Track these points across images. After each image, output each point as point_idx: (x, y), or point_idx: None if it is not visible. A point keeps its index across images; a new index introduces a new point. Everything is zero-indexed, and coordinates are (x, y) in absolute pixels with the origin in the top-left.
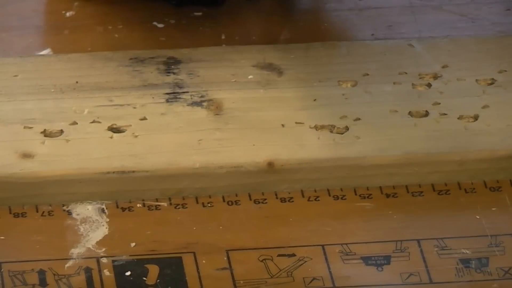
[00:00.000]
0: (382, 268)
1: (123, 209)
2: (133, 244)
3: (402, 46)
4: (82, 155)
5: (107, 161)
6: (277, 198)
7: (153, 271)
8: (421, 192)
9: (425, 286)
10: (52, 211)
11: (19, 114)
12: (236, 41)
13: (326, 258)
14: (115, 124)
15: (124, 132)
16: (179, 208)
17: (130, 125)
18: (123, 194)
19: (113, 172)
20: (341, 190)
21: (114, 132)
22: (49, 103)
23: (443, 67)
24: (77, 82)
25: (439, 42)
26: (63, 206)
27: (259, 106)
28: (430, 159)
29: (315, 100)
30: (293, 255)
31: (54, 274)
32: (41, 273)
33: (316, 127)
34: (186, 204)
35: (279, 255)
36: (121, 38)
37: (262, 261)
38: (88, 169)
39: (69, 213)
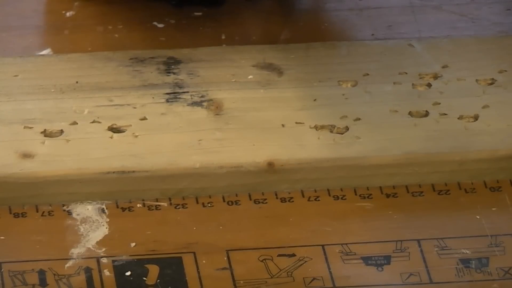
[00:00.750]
0: (382, 268)
1: (123, 209)
2: (133, 244)
3: (402, 46)
4: (82, 155)
5: (107, 161)
6: (277, 198)
7: (153, 271)
8: (421, 192)
9: (425, 286)
10: (52, 211)
11: (19, 114)
12: (236, 41)
13: (326, 258)
14: (115, 124)
15: (124, 132)
16: (179, 208)
17: (130, 125)
18: (123, 194)
19: (113, 172)
20: (341, 190)
21: (114, 132)
22: (49, 103)
23: (443, 67)
24: (77, 82)
25: (439, 42)
26: (63, 206)
27: (259, 106)
28: (430, 159)
29: (315, 100)
30: (293, 255)
31: (54, 274)
32: (41, 273)
33: (316, 127)
34: (186, 204)
35: (279, 255)
36: (121, 38)
37: (262, 261)
38: (88, 169)
39: (69, 213)
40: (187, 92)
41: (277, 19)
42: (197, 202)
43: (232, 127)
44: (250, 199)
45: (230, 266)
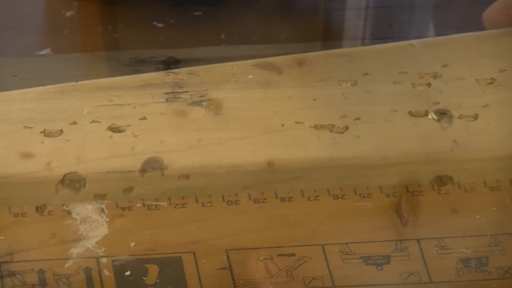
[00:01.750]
0: (382, 268)
1: (123, 209)
2: (132, 244)
3: (402, 46)
4: (82, 155)
5: (107, 161)
6: (277, 198)
7: (153, 271)
8: (421, 191)
9: (425, 285)
10: (52, 211)
11: (19, 114)
12: (236, 41)
13: (326, 258)
14: (115, 124)
15: (124, 131)
16: (178, 208)
17: (130, 125)
18: (123, 194)
19: (113, 172)
20: (341, 189)
21: (114, 131)
22: (49, 103)
23: (442, 66)
24: (77, 82)
25: (439, 41)
26: (63, 206)
27: (259, 106)
28: (430, 159)
29: (314, 99)
30: (293, 254)
31: (54, 274)
32: (41, 273)
33: (316, 127)
34: (185, 204)
35: (279, 255)
36: (121, 38)
37: (262, 260)
38: (88, 169)
39: (69, 213)
40: (187, 91)
41: (277, 19)
42: (197, 202)
43: (232, 127)
44: (250, 199)
45: (230, 266)
